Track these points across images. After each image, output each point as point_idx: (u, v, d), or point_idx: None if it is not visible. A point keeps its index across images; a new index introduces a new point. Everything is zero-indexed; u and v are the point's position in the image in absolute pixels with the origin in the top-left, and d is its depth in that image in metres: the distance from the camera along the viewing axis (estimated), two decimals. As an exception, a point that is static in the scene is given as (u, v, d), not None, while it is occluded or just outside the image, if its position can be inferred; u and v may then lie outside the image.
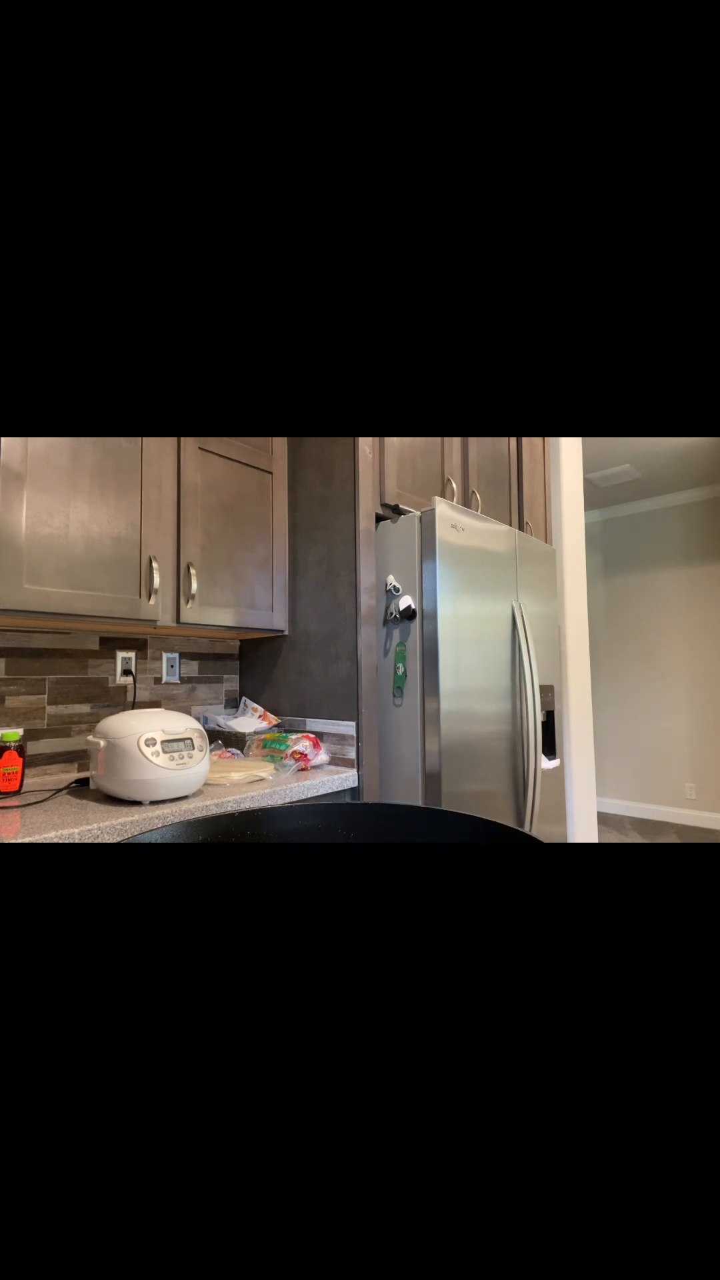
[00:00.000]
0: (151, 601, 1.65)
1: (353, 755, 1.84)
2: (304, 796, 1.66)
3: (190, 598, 1.75)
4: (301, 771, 1.80)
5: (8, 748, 1.51)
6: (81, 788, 1.60)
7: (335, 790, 1.76)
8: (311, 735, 1.88)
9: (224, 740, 2.05)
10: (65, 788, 1.60)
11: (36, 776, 1.73)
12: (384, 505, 2.01)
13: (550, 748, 2.38)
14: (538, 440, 3.19)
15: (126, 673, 1.95)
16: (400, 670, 1.89)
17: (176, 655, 2.10)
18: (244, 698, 2.21)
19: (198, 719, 2.16)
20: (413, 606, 1.87)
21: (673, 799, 4.65)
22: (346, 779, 1.78)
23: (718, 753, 4.43)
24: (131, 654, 1.97)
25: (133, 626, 1.72)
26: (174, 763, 1.42)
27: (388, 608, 1.94)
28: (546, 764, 2.32)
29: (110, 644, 1.92)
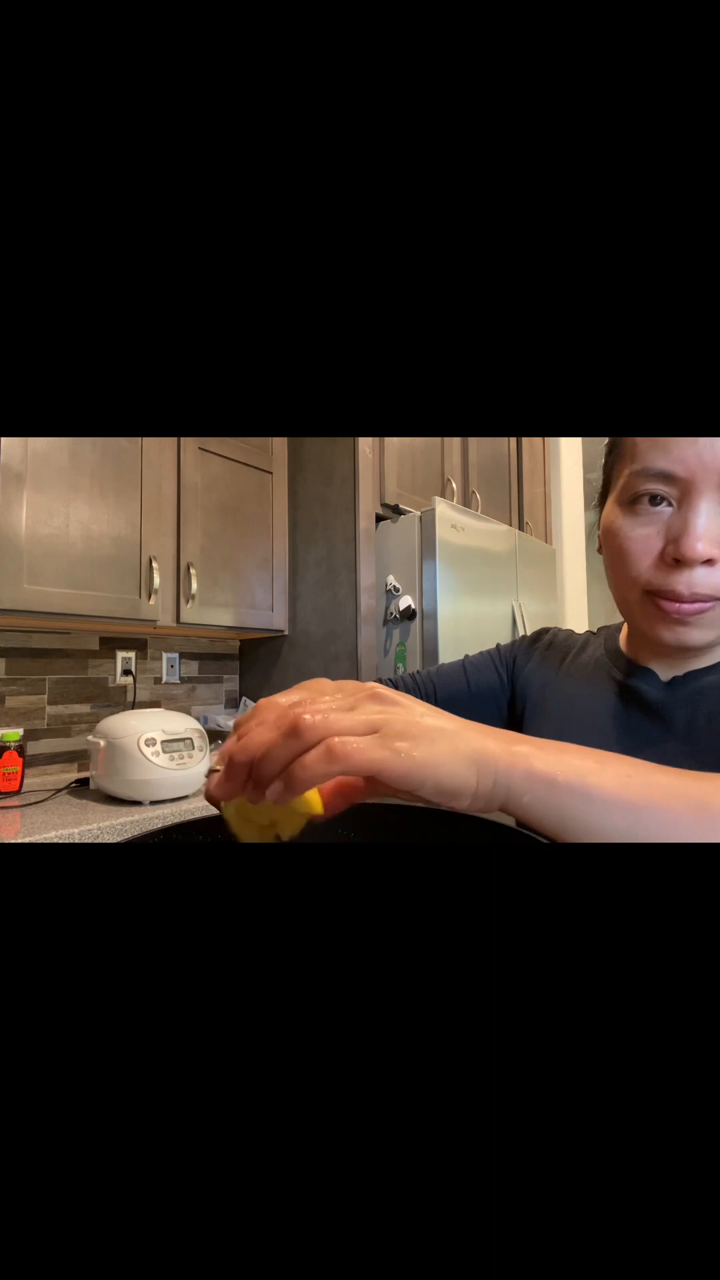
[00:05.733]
0: (151, 601, 1.65)
1: (353, 755, 1.84)
2: (304, 796, 1.66)
3: (190, 598, 1.75)
4: (301, 771, 1.79)
5: (8, 748, 1.51)
6: (81, 788, 1.60)
7: (335, 790, 1.75)
8: (311, 735, 1.88)
9: (224, 740, 2.05)
10: (65, 788, 1.59)
11: (36, 776, 1.73)
12: (384, 505, 2.01)
13: (550, 748, 2.37)
14: (538, 440, 3.19)
15: (126, 673, 1.95)
16: (400, 670, 1.89)
17: (176, 655, 2.10)
18: (244, 698, 2.21)
19: (198, 719, 2.15)
20: (413, 606, 1.87)
21: (673, 799, 4.63)
22: (346, 779, 1.77)
23: (718, 753, 4.42)
24: (131, 654, 1.96)
25: (133, 626, 1.72)
26: (174, 763, 1.42)
27: (388, 608, 1.94)
28: (546, 764, 2.31)
29: (110, 644, 1.92)
